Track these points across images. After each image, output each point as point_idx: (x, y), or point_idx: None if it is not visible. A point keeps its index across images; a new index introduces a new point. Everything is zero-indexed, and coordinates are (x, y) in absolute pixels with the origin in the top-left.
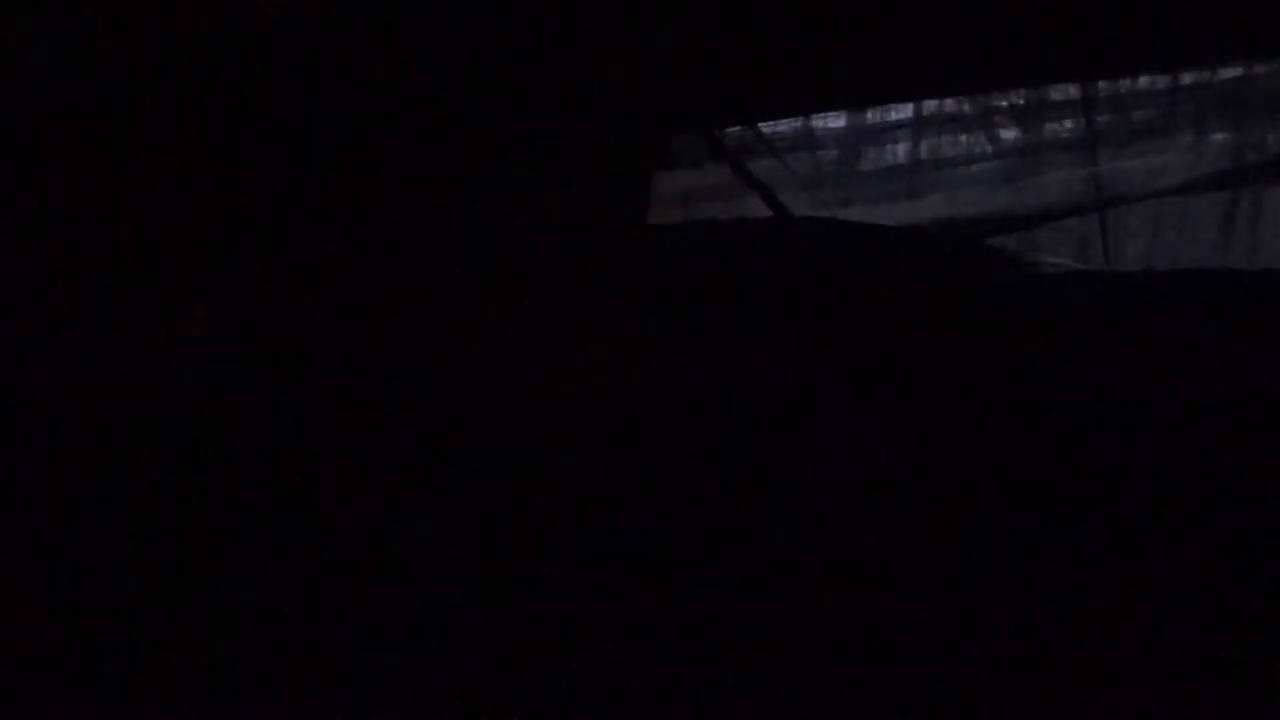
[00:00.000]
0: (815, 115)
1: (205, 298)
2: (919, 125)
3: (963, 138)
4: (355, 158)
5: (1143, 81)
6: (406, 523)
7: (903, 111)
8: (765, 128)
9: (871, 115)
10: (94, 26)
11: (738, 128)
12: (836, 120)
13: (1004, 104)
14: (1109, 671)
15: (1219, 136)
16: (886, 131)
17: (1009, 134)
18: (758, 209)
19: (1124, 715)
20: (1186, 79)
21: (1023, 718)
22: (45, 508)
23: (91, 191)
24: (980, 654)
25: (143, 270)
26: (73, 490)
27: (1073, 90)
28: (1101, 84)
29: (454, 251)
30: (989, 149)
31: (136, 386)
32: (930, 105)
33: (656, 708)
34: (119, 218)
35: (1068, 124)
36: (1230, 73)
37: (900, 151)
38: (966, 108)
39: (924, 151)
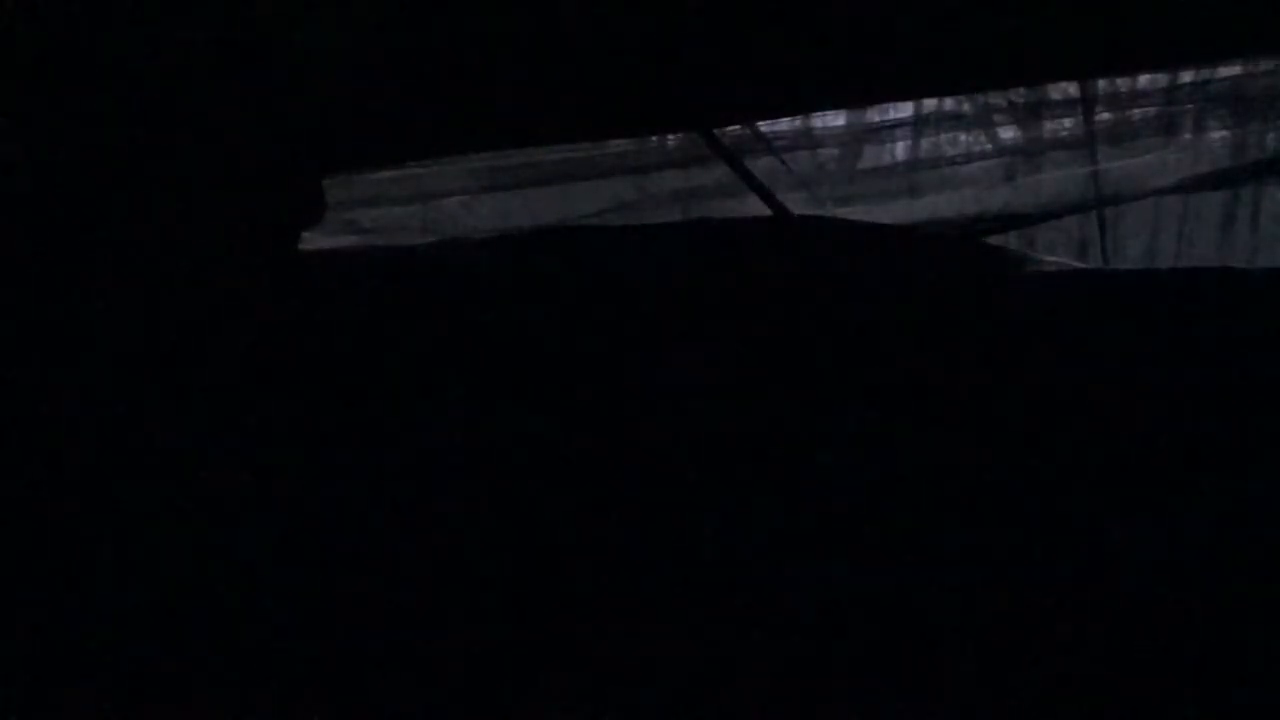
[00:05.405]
0: (815, 115)
1: None
2: (919, 124)
3: (963, 137)
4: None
5: (1143, 81)
6: None
7: (903, 111)
8: (765, 127)
9: (871, 115)
10: None
11: (738, 127)
12: (836, 120)
13: (1004, 103)
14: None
15: (1219, 136)
16: (886, 130)
17: (1009, 133)
18: (758, 208)
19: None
20: (1186, 78)
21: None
22: None
23: None
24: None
25: None
26: None
27: (1073, 90)
28: (1101, 83)
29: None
30: (989, 148)
31: None
32: (930, 104)
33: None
34: None
35: (1067, 123)
36: (1230, 72)
37: (900, 150)
38: (966, 107)
39: (924, 150)
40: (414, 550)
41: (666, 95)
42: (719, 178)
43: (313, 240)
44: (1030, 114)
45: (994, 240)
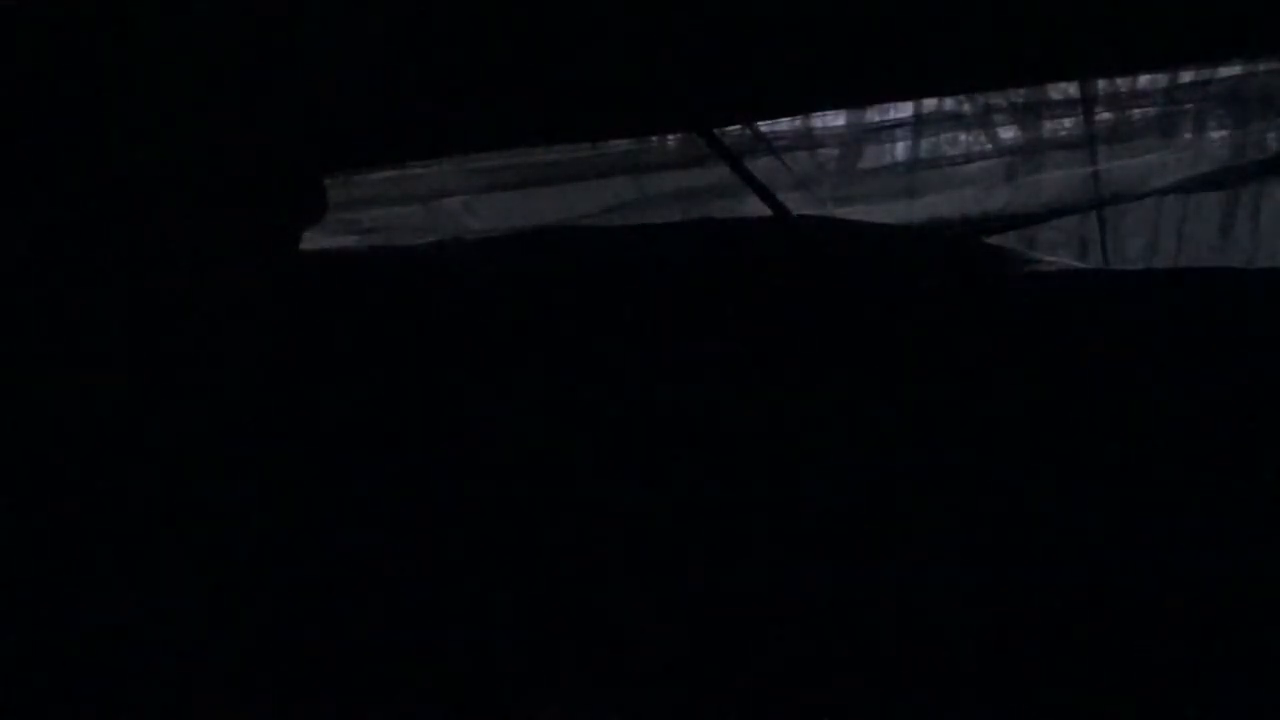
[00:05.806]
0: (815, 115)
1: None
2: (919, 124)
3: (963, 137)
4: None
5: (1143, 81)
6: None
7: (903, 111)
8: (765, 127)
9: (871, 115)
10: None
11: (738, 127)
12: (836, 120)
13: (1004, 103)
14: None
15: (1219, 136)
16: (886, 130)
17: (1009, 133)
18: (758, 208)
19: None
20: (1186, 78)
21: None
22: None
23: None
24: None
25: None
26: None
27: (1073, 90)
28: (1101, 83)
29: None
30: (989, 148)
31: None
32: (930, 104)
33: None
34: None
35: (1067, 123)
36: (1230, 72)
37: (900, 150)
38: (966, 107)
39: (924, 150)
40: (414, 550)
41: (666, 95)
42: (719, 178)
43: (313, 240)
44: (1030, 114)
45: (994, 240)
